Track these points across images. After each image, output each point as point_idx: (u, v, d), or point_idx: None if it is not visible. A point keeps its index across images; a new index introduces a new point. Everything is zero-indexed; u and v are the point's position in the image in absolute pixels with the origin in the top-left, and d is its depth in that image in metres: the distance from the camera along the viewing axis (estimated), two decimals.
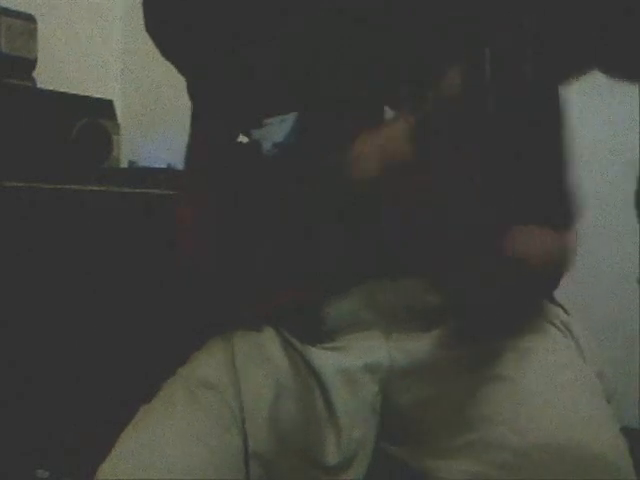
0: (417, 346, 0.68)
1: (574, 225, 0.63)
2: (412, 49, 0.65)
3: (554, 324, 0.70)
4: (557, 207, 0.56)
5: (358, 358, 0.69)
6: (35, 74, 1.63)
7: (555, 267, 0.68)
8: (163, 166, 1.73)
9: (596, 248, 1.29)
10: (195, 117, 0.77)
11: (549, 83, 0.49)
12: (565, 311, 0.75)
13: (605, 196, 1.32)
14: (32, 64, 1.62)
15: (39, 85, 1.64)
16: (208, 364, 0.69)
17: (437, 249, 0.64)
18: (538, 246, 0.61)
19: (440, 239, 0.62)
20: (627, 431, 0.63)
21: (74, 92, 1.65)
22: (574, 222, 0.60)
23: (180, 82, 0.78)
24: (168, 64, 0.75)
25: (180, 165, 0.82)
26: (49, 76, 1.70)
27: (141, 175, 1.59)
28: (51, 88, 1.62)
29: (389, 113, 0.65)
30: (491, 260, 0.60)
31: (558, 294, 0.77)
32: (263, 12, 0.69)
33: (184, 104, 0.79)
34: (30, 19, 1.62)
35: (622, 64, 0.44)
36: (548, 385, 0.63)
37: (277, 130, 0.69)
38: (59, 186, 1.40)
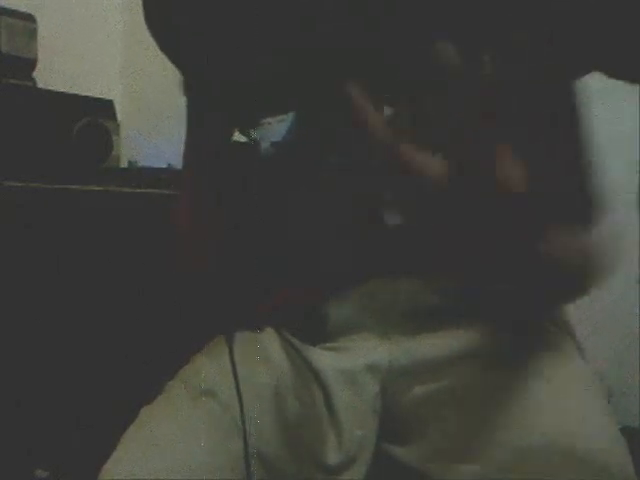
0: (417, 346, 0.68)
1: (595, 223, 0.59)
2: (410, 49, 0.65)
3: (554, 324, 0.70)
4: (580, 204, 0.53)
5: (359, 358, 0.69)
6: (35, 74, 1.63)
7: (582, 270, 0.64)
8: (163, 166, 1.73)
9: None
10: (191, 116, 0.77)
11: (555, 84, 0.48)
12: (565, 311, 0.75)
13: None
14: (32, 64, 1.62)
15: (39, 85, 1.64)
16: (208, 367, 0.69)
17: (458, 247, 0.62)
18: (568, 246, 0.57)
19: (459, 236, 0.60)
20: (627, 431, 0.63)
21: (74, 92, 1.64)
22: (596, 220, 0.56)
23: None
24: (168, 64, 0.74)
25: (180, 165, 0.81)
26: (49, 76, 1.70)
27: (141, 175, 1.59)
28: (51, 88, 1.62)
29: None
30: (522, 258, 0.56)
31: None
32: (262, 10, 0.69)
33: (184, 104, 0.79)
34: (30, 19, 1.62)
35: (623, 65, 0.43)
36: (549, 385, 0.63)
37: (276, 129, 0.69)
38: (59, 186, 1.40)
